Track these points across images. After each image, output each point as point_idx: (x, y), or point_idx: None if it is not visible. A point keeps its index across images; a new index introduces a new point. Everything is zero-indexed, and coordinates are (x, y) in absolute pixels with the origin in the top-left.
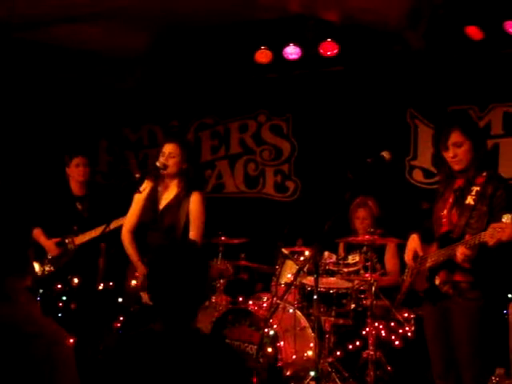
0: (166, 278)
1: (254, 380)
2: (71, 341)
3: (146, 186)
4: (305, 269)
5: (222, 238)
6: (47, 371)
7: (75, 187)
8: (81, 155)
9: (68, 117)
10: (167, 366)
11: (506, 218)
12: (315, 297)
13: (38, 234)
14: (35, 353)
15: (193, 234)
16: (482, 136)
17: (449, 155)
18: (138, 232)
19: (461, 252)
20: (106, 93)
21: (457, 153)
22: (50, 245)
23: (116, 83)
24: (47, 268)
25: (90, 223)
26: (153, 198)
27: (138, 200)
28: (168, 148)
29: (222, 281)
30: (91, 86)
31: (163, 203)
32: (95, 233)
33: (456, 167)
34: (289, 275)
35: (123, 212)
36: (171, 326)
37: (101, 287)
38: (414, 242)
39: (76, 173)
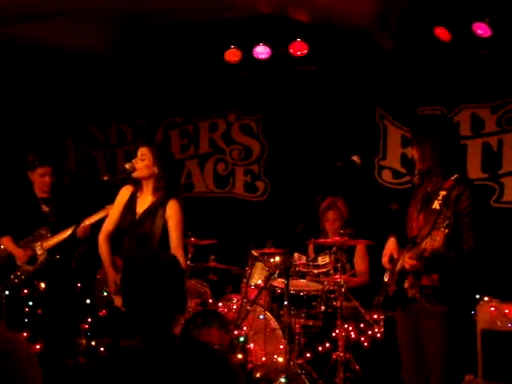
0: (142, 286)
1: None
2: (37, 347)
3: (126, 192)
4: (275, 274)
5: (192, 239)
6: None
7: (39, 190)
8: (46, 164)
9: (34, 116)
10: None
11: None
12: (286, 303)
13: (6, 242)
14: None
15: (173, 243)
16: (431, 142)
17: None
18: (115, 237)
19: (405, 261)
20: (73, 91)
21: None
22: (19, 252)
23: (83, 81)
24: (18, 275)
25: (58, 226)
26: (131, 203)
27: (117, 206)
28: (140, 151)
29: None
30: (58, 85)
31: (139, 210)
32: (63, 235)
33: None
34: (259, 281)
35: (92, 210)
36: (154, 339)
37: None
38: (391, 245)
39: (41, 182)
